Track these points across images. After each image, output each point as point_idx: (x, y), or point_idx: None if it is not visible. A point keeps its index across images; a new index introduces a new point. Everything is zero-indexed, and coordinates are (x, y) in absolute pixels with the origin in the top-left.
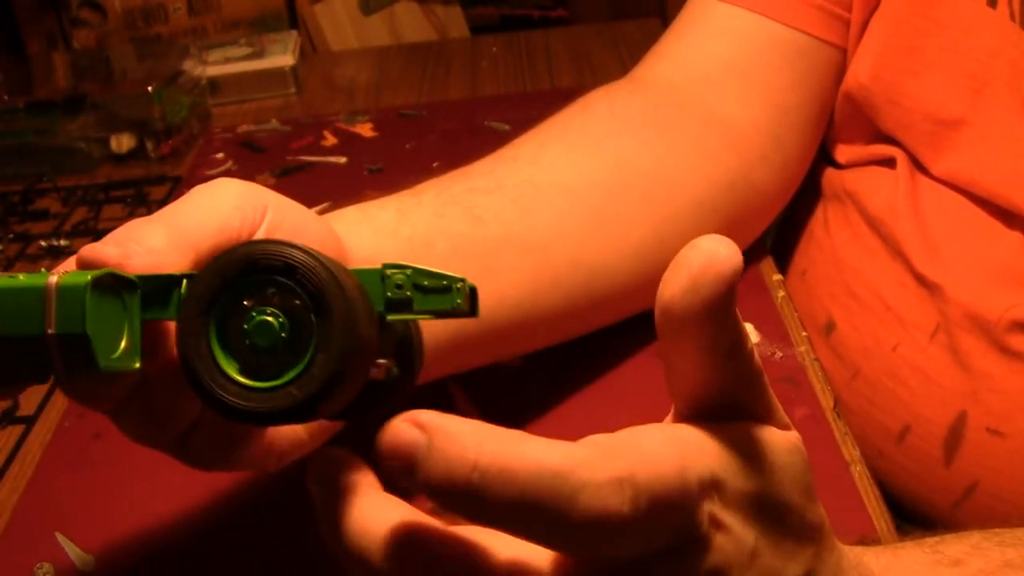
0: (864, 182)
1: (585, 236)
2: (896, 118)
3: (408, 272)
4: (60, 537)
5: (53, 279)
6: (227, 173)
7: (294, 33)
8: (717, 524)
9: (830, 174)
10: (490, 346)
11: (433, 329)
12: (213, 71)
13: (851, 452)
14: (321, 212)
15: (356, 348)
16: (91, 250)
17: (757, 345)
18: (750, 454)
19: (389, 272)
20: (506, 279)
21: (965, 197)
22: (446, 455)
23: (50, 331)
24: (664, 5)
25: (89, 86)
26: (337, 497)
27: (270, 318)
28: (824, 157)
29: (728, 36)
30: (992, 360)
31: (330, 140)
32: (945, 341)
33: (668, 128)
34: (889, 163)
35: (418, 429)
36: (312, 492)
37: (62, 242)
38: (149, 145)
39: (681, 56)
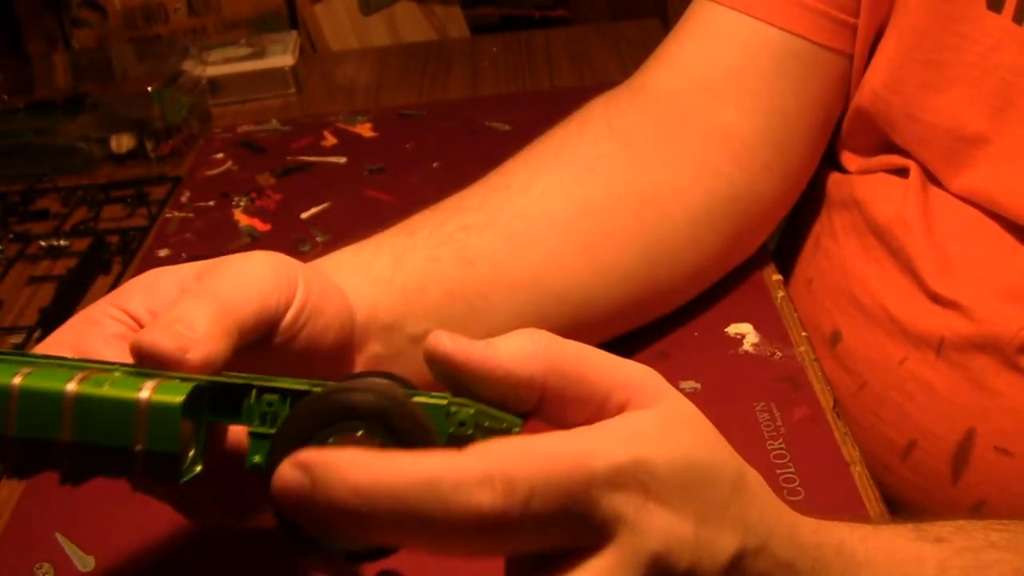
0: (873, 190)
1: (575, 267)
2: (915, 132)
3: (472, 412)
4: (60, 537)
5: (145, 395)
6: (227, 173)
7: (294, 33)
8: (646, 509)
9: (837, 179)
10: None
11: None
12: (213, 71)
13: (851, 452)
14: (321, 212)
15: None
16: (149, 344)
17: (756, 345)
18: (661, 426)
19: (454, 408)
20: (495, 319)
21: (980, 211)
22: (328, 485)
23: (139, 447)
24: (665, 5)
25: (89, 86)
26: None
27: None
28: (829, 161)
29: (728, 42)
30: (1004, 379)
31: (330, 140)
32: (954, 357)
33: (666, 143)
34: (901, 172)
35: (299, 469)
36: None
37: (62, 242)
38: (149, 145)
39: (682, 61)
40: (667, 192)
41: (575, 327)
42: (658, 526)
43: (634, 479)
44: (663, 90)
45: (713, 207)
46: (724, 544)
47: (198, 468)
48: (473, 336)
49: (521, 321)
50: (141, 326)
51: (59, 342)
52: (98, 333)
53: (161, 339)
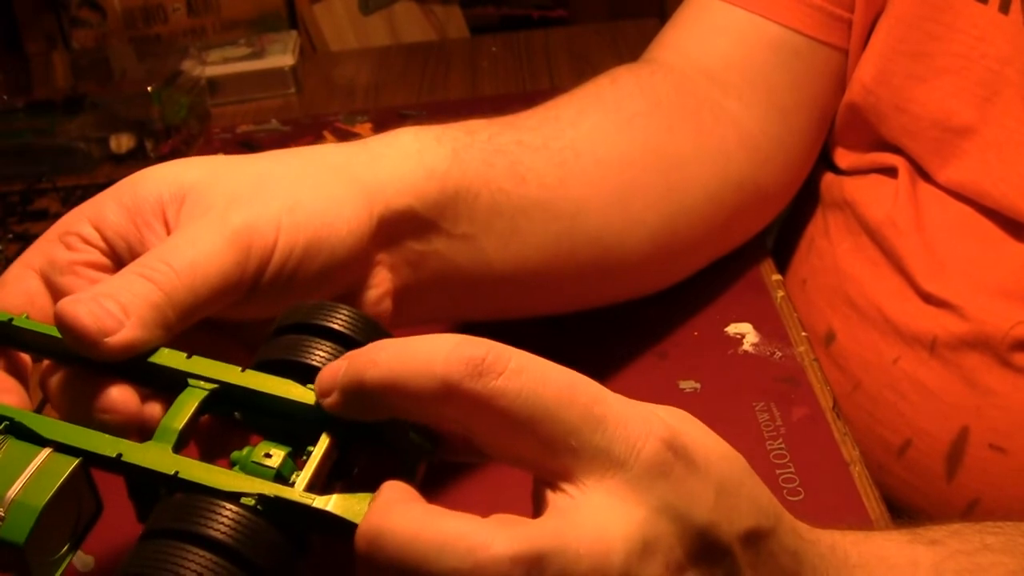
0: (864, 191)
1: (608, 212)
2: (902, 124)
3: None
4: None
5: (12, 492)
6: None
7: (294, 33)
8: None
9: (829, 180)
10: (499, 301)
11: (449, 274)
12: (212, 71)
13: (851, 452)
14: None
15: None
16: (70, 317)
17: (756, 345)
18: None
19: None
20: (531, 242)
21: (970, 207)
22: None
23: None
24: (663, 5)
25: (88, 86)
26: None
27: None
28: (823, 160)
29: (726, 35)
30: (996, 376)
31: (330, 140)
32: (948, 356)
33: (687, 117)
34: (890, 172)
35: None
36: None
37: None
38: (148, 145)
39: (684, 49)
40: (690, 163)
41: (597, 270)
42: (679, 477)
43: (672, 444)
44: (675, 69)
45: (722, 188)
46: (742, 514)
47: (67, 561)
48: (503, 256)
49: (555, 251)
50: (114, 253)
51: (30, 263)
52: (67, 260)
53: (83, 315)
